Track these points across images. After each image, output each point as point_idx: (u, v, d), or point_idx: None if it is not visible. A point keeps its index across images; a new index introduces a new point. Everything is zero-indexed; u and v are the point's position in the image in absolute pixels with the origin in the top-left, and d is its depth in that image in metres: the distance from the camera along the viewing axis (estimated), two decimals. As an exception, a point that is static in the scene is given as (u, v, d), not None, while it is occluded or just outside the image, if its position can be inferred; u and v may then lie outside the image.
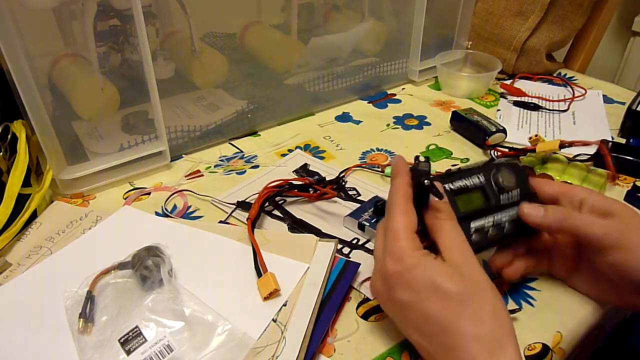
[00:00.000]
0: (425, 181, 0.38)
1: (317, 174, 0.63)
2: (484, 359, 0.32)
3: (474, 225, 0.42)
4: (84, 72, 0.61)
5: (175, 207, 0.58)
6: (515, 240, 0.45)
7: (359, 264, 0.47)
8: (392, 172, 0.42)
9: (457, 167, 0.45)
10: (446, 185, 0.42)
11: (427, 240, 0.39)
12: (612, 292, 0.43)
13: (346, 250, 0.51)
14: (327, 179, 0.61)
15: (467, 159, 0.67)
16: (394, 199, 0.40)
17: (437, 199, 0.39)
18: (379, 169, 0.64)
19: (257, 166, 0.65)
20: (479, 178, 0.43)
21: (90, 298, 0.43)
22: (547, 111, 0.79)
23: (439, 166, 0.65)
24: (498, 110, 0.80)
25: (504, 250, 0.45)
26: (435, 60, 0.86)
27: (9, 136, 0.58)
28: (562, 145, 0.63)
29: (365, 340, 0.42)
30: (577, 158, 0.62)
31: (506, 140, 0.70)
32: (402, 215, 0.38)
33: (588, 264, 0.44)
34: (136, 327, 0.41)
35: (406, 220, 0.38)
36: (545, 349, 0.41)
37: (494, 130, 0.68)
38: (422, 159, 0.41)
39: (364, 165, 0.65)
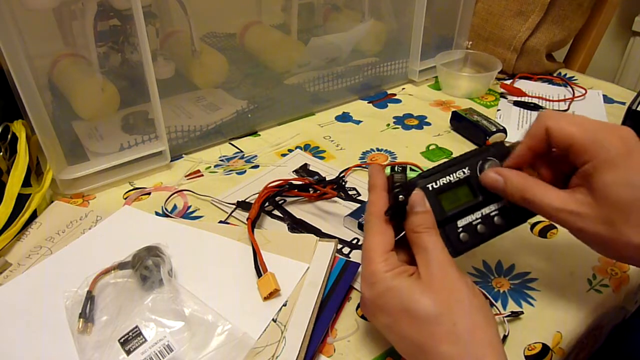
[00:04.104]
0: (400, 197, 0.37)
1: (317, 174, 0.63)
2: None
3: (461, 224, 0.40)
4: (84, 72, 0.61)
5: (175, 207, 0.58)
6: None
7: (359, 264, 0.47)
8: (368, 185, 0.41)
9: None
10: (429, 186, 0.40)
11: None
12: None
13: (346, 250, 0.51)
14: (327, 179, 0.61)
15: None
16: (368, 216, 0.39)
17: (414, 210, 0.38)
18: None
19: (257, 166, 0.65)
20: (463, 171, 0.41)
21: (90, 298, 0.43)
22: (548, 109, 0.79)
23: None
24: (498, 110, 0.80)
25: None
26: (435, 60, 0.86)
27: (9, 136, 0.58)
28: None
29: (365, 340, 0.42)
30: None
31: (506, 140, 0.70)
32: (376, 234, 0.38)
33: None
34: (136, 327, 0.41)
35: (381, 239, 0.37)
36: (545, 349, 0.41)
37: (494, 130, 0.68)
38: (397, 169, 0.40)
39: (364, 165, 0.65)
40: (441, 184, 0.40)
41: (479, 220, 0.41)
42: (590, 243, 0.38)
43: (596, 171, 0.36)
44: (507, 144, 0.43)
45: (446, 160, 0.42)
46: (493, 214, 0.41)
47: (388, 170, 0.41)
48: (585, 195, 0.36)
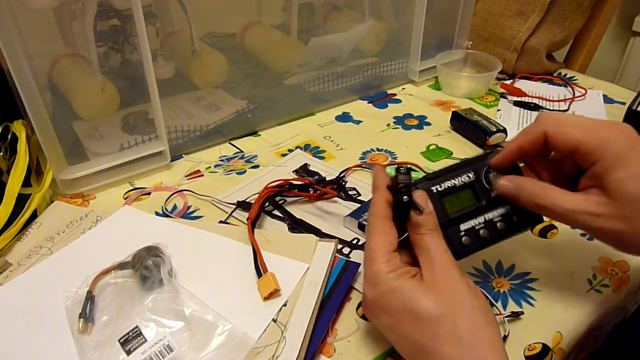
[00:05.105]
0: (404, 197, 0.37)
1: (317, 174, 0.63)
2: None
3: (463, 227, 0.41)
4: (84, 72, 0.61)
5: (175, 207, 0.58)
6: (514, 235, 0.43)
7: (359, 264, 0.47)
8: (372, 185, 0.41)
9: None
10: (433, 188, 0.40)
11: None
12: None
13: (346, 250, 0.51)
14: (327, 179, 0.61)
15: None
16: (372, 216, 0.39)
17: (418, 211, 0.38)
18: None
19: (257, 166, 0.65)
20: (468, 175, 0.41)
21: (90, 298, 0.43)
22: (548, 111, 0.79)
23: (439, 166, 0.65)
24: (498, 110, 0.80)
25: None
26: (435, 60, 0.86)
27: (9, 136, 0.58)
28: None
29: (365, 340, 0.42)
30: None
31: (507, 140, 0.70)
32: (379, 235, 0.38)
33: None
34: (136, 327, 0.41)
35: (383, 240, 0.37)
36: (545, 349, 0.41)
37: (495, 130, 0.68)
38: (402, 169, 0.40)
39: (364, 165, 0.65)
40: (445, 187, 0.41)
41: (482, 224, 0.41)
42: (608, 241, 0.38)
43: (606, 170, 0.36)
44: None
45: (451, 164, 0.42)
46: (496, 219, 0.41)
47: (393, 171, 0.41)
48: (599, 195, 0.36)
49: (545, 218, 0.42)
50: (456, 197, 0.41)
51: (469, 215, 0.41)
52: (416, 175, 0.41)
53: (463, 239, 0.41)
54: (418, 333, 0.34)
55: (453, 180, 0.41)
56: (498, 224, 0.41)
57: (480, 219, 0.41)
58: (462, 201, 0.41)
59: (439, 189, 0.41)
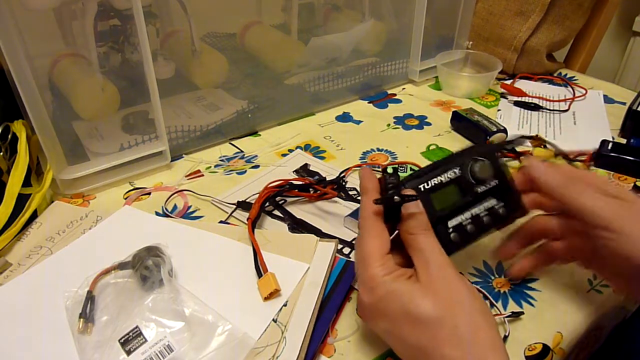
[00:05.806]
0: (395, 198, 0.37)
1: (318, 174, 0.63)
2: None
3: (451, 224, 0.40)
4: (84, 72, 0.61)
5: (175, 207, 0.58)
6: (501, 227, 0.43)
7: (359, 264, 0.47)
8: (360, 188, 0.41)
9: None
10: (421, 186, 0.40)
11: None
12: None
13: (346, 250, 0.51)
14: (327, 179, 0.61)
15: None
16: (363, 219, 0.39)
17: (409, 211, 0.37)
18: (380, 169, 0.64)
19: (257, 166, 0.65)
20: (454, 171, 0.41)
21: (90, 298, 0.43)
22: (548, 111, 0.79)
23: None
24: (498, 110, 0.80)
25: (509, 241, 0.44)
26: (435, 60, 0.86)
27: (9, 136, 0.58)
28: (557, 154, 0.63)
29: (365, 340, 0.42)
30: (577, 159, 0.62)
31: (507, 140, 0.70)
32: (372, 238, 0.37)
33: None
34: (136, 327, 0.41)
35: (376, 243, 0.37)
36: (546, 349, 0.41)
37: (495, 130, 0.68)
38: (390, 170, 0.39)
39: (364, 166, 0.65)
40: (432, 184, 0.40)
41: (469, 220, 0.41)
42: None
43: None
44: (496, 142, 0.44)
45: (436, 160, 0.42)
46: (483, 214, 0.41)
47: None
48: None
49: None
50: (443, 194, 0.41)
51: (456, 211, 0.41)
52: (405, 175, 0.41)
53: (452, 235, 0.40)
54: (418, 336, 0.34)
55: (440, 177, 0.41)
56: (484, 219, 0.41)
57: (467, 215, 0.41)
58: (449, 197, 0.41)
59: (427, 186, 0.40)
